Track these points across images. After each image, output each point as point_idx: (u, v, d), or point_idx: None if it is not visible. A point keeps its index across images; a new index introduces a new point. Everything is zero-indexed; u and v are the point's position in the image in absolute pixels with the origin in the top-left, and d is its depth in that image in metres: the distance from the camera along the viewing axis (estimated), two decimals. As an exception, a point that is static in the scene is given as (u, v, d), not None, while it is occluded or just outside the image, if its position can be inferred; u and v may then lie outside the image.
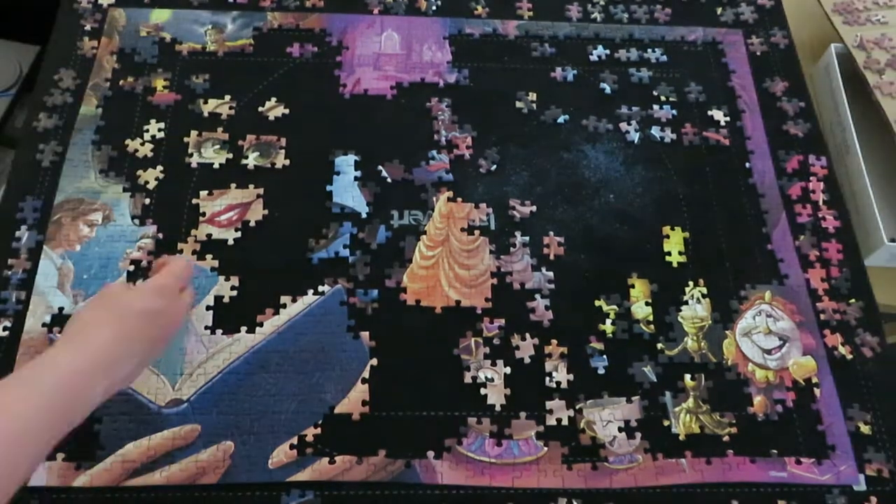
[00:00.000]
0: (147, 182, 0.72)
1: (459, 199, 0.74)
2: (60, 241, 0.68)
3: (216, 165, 0.74)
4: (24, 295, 0.65)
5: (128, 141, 0.74)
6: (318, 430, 0.61)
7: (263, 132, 0.76)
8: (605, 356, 0.66)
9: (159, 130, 0.75)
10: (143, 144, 0.74)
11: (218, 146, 0.75)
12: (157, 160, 0.74)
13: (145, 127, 0.75)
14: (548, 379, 0.65)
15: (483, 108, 0.80)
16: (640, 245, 0.73)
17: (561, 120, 0.80)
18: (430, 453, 0.61)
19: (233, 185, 0.73)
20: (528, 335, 0.67)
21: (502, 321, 0.67)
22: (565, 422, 0.63)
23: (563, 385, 0.65)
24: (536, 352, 0.66)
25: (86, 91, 0.77)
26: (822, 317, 0.70)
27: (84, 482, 0.58)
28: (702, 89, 0.83)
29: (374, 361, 0.65)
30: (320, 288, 0.68)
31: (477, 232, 0.72)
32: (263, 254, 0.69)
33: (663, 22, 0.88)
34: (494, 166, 0.76)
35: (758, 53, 0.87)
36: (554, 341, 0.67)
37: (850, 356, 0.68)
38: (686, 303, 0.70)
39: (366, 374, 0.64)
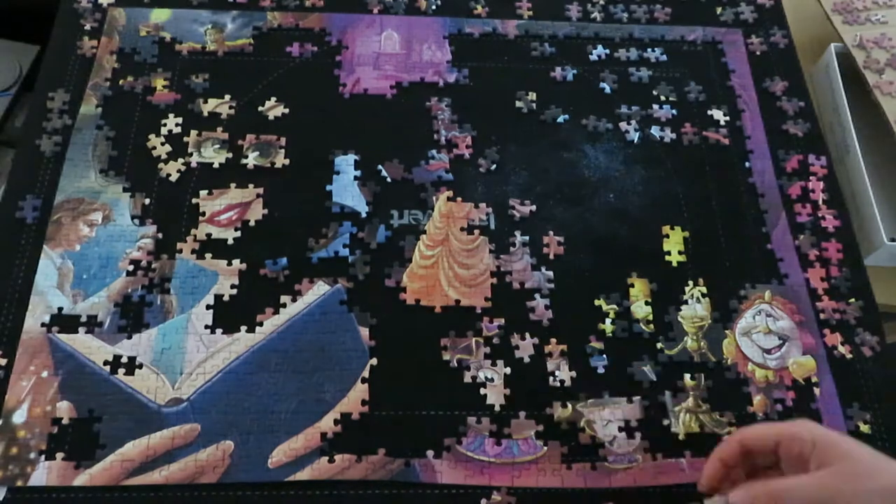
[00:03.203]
0: (169, 175, 0.73)
1: (459, 199, 0.74)
2: (60, 240, 0.68)
3: (216, 165, 0.74)
4: (24, 295, 0.66)
5: (151, 136, 0.75)
6: (322, 430, 0.61)
7: (263, 132, 0.76)
8: (604, 356, 0.66)
9: (176, 126, 0.76)
10: (163, 144, 0.75)
11: (218, 146, 0.75)
12: (176, 154, 0.74)
13: (163, 121, 0.76)
14: (548, 378, 0.65)
15: (483, 107, 0.80)
16: (640, 245, 0.73)
17: (561, 120, 0.80)
18: (430, 452, 0.61)
19: (233, 185, 0.73)
20: (527, 335, 0.67)
21: (502, 321, 0.67)
22: (565, 422, 0.63)
23: (564, 384, 0.65)
24: (536, 351, 0.66)
25: (86, 91, 0.77)
26: (822, 316, 0.70)
27: (84, 481, 0.58)
28: (701, 89, 0.83)
29: (374, 361, 0.65)
30: (320, 288, 0.68)
31: (477, 231, 0.72)
32: (263, 253, 0.69)
33: (663, 21, 0.88)
34: (494, 166, 0.76)
35: (757, 53, 0.87)
36: (553, 340, 0.67)
37: (849, 355, 0.68)
38: (686, 302, 0.70)
39: (365, 374, 0.64)
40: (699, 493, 0.53)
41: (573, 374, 0.65)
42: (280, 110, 0.78)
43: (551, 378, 0.65)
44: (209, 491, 0.59)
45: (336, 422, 0.62)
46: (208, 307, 0.66)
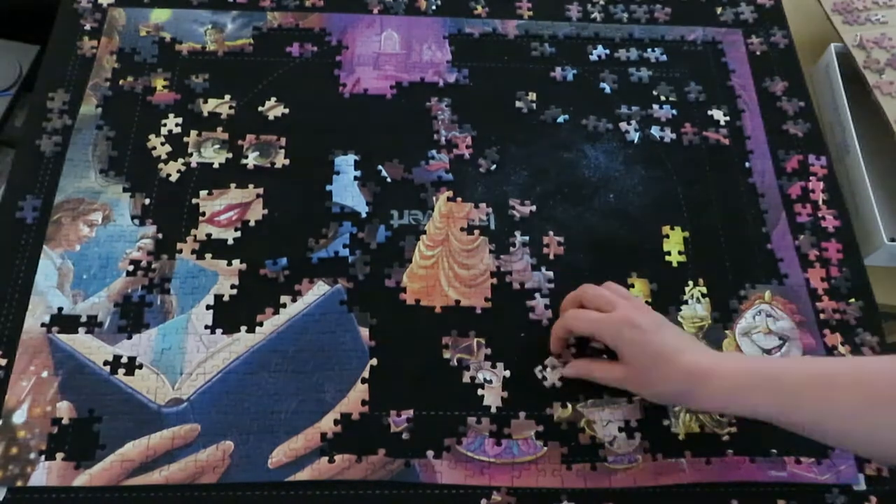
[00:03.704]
0: (169, 175, 0.73)
1: (459, 199, 0.74)
2: (60, 241, 0.69)
3: (216, 165, 0.74)
4: (24, 295, 0.65)
5: (151, 136, 0.75)
6: (322, 430, 0.61)
7: (263, 132, 0.76)
8: (605, 356, 0.66)
9: (176, 126, 0.76)
10: (163, 144, 0.75)
11: (218, 146, 0.75)
12: (176, 154, 0.74)
13: (163, 121, 0.76)
14: (547, 378, 0.65)
15: (483, 107, 0.80)
16: (640, 245, 0.73)
17: (561, 120, 0.80)
18: (430, 453, 0.61)
19: (232, 185, 0.73)
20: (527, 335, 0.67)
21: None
22: (565, 422, 0.63)
23: (563, 385, 0.65)
24: (536, 351, 0.66)
25: (86, 91, 0.77)
26: (822, 316, 0.70)
27: (83, 481, 0.58)
28: (702, 89, 0.83)
29: (374, 361, 0.65)
30: (320, 288, 0.68)
31: (477, 232, 0.72)
32: (263, 253, 0.69)
33: (663, 21, 0.88)
34: (494, 166, 0.76)
35: (757, 53, 0.87)
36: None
37: (849, 356, 0.68)
38: (686, 302, 0.70)
39: (365, 374, 0.64)
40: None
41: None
42: (280, 110, 0.78)
43: (537, 375, 0.65)
44: (209, 491, 0.59)
45: (336, 422, 0.62)
46: (208, 307, 0.66)
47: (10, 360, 0.62)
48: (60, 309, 0.65)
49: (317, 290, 0.68)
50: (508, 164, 0.77)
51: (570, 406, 0.64)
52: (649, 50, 0.86)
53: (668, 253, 0.73)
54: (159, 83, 0.79)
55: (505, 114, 0.80)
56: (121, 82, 0.78)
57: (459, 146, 0.77)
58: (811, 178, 0.78)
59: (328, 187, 0.73)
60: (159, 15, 0.83)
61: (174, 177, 0.73)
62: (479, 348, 0.66)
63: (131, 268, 0.68)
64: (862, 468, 0.63)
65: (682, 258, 0.72)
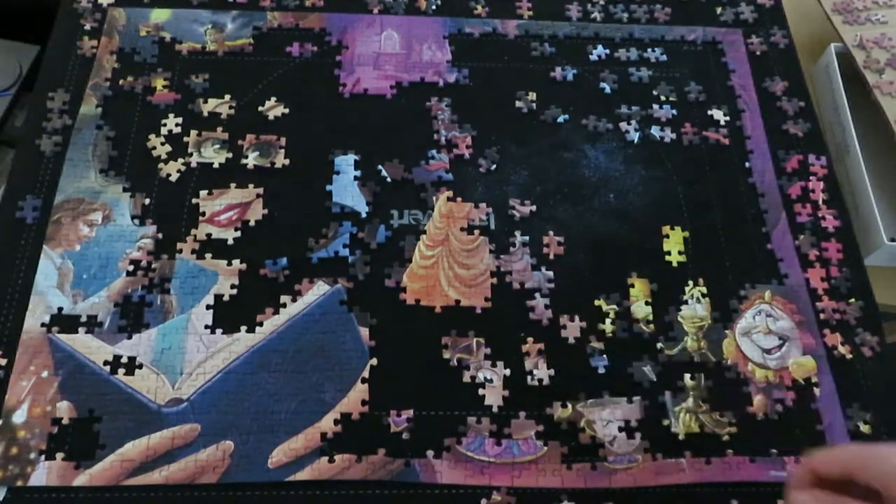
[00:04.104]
0: (169, 175, 0.73)
1: (459, 199, 0.74)
2: (60, 240, 0.69)
3: (216, 165, 0.74)
4: (24, 295, 0.65)
5: (151, 136, 0.75)
6: (322, 430, 0.61)
7: (263, 132, 0.76)
8: (604, 356, 0.66)
9: (176, 126, 0.76)
10: (163, 144, 0.75)
11: (218, 146, 0.75)
12: (176, 154, 0.74)
13: (163, 121, 0.76)
14: (547, 378, 0.65)
15: (483, 107, 0.80)
16: (640, 245, 0.73)
17: (561, 120, 0.80)
18: (430, 452, 0.61)
19: (232, 185, 0.73)
20: (527, 335, 0.67)
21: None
22: (565, 422, 0.63)
23: (542, 383, 0.65)
24: (536, 351, 0.66)
25: (86, 91, 0.77)
26: (822, 316, 0.70)
27: (83, 481, 0.58)
28: (702, 89, 0.83)
29: (374, 361, 0.65)
30: (320, 288, 0.68)
31: (477, 231, 0.72)
32: (263, 253, 0.69)
33: (663, 21, 0.88)
34: (494, 166, 0.76)
35: (757, 53, 0.87)
36: (530, 339, 0.67)
37: (849, 356, 0.68)
38: (686, 302, 0.70)
39: (365, 374, 0.64)
40: None
41: (551, 372, 0.65)
42: (280, 110, 0.78)
43: (529, 377, 0.65)
44: (209, 491, 0.59)
45: (336, 422, 0.62)
46: (208, 307, 0.66)
47: (10, 360, 0.62)
48: (60, 309, 0.65)
49: (317, 290, 0.68)
50: (508, 164, 0.77)
51: (570, 406, 0.64)
52: (649, 50, 0.86)
53: (668, 253, 0.73)
54: (159, 83, 0.79)
55: (505, 114, 0.80)
56: (121, 82, 0.78)
57: (459, 146, 0.77)
58: (811, 178, 0.78)
59: (328, 187, 0.73)
60: (159, 15, 0.83)
61: (174, 177, 0.73)
62: (478, 348, 0.66)
63: (131, 268, 0.68)
64: (862, 468, 0.63)
65: (682, 258, 0.72)
